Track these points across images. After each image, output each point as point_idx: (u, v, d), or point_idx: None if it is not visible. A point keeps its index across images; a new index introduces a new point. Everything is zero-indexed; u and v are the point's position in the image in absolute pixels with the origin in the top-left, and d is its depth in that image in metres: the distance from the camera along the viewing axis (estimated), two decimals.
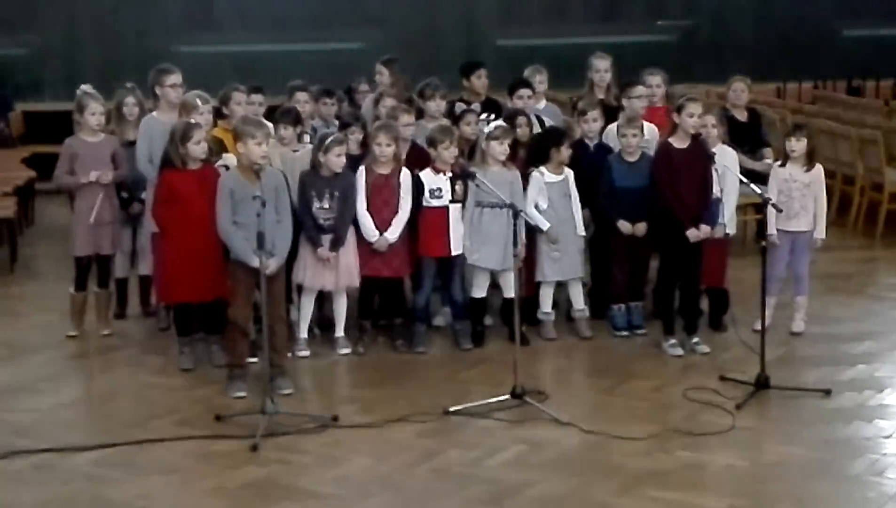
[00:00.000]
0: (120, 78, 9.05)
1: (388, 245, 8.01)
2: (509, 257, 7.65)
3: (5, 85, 14.35)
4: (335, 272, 8.00)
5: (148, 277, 8.81)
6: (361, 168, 8.05)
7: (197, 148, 7.59)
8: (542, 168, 8.26)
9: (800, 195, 8.28)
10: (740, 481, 6.20)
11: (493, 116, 8.90)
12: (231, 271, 7.33)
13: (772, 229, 8.18)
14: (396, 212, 8.04)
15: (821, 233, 8.39)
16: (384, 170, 8.05)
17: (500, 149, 8.06)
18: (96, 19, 15.30)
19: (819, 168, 8.43)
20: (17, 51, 15.09)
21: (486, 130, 8.15)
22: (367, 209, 8.01)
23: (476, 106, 9.08)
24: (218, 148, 7.94)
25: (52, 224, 11.82)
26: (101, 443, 6.63)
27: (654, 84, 9.18)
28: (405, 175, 8.07)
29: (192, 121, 7.81)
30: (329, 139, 7.90)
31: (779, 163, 8.45)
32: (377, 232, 8.00)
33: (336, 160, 7.86)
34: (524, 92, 8.94)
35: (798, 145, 8.31)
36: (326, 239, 7.91)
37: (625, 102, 8.83)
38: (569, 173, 8.29)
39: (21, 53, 15.13)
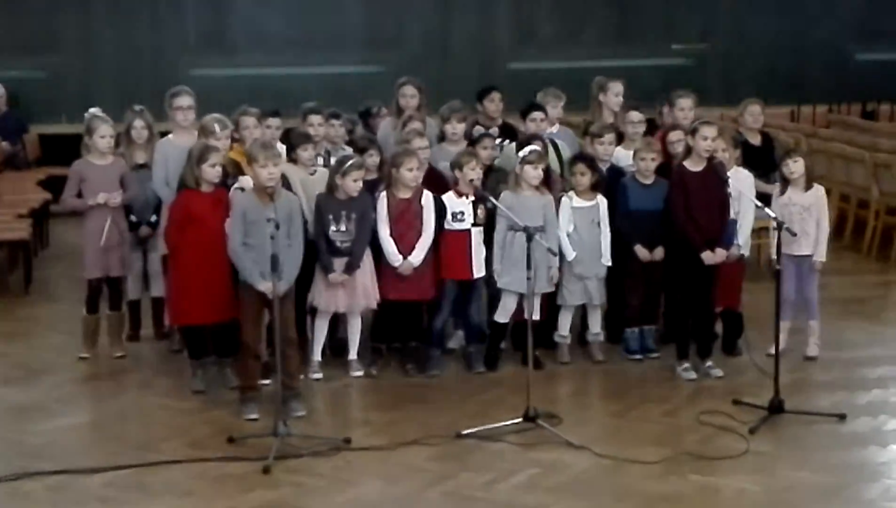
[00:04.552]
0: (136, 101, 9.07)
1: (412, 269, 8.01)
2: (540, 281, 7.67)
3: (20, 107, 14.42)
4: (351, 295, 8.00)
5: (160, 299, 8.81)
6: (382, 194, 8.04)
7: (211, 171, 7.60)
8: (571, 193, 8.27)
9: (800, 219, 8.19)
10: (753, 505, 6.17)
11: (506, 141, 8.91)
12: (240, 294, 7.34)
13: (773, 254, 8.19)
14: (419, 236, 8.05)
15: (820, 256, 8.32)
16: (406, 194, 8.04)
17: (535, 173, 8.03)
18: (113, 42, 15.36)
19: (819, 189, 8.39)
20: (33, 73, 15.14)
21: (521, 154, 8.13)
22: (391, 235, 8.00)
23: (494, 130, 9.07)
24: (234, 170, 7.97)
25: (66, 247, 11.82)
26: (114, 465, 6.63)
27: (686, 107, 9.08)
28: (427, 198, 8.06)
29: (211, 144, 7.83)
30: (348, 163, 7.89)
31: (778, 191, 8.38)
32: (400, 257, 8.00)
33: (353, 184, 7.86)
34: (537, 115, 8.87)
35: (796, 166, 8.26)
36: (342, 262, 7.91)
37: (626, 127, 8.85)
38: (600, 201, 8.26)
39: (38, 76, 15.18)
